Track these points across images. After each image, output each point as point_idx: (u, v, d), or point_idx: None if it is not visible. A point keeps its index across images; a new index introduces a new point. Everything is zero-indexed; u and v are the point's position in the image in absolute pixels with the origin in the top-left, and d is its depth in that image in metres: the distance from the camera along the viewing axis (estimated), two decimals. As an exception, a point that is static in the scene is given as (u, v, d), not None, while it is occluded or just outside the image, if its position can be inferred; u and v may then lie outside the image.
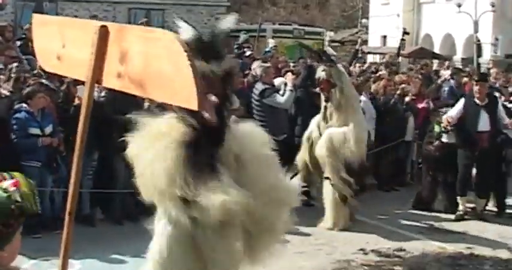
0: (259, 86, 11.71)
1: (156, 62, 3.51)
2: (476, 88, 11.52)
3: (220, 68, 5.70)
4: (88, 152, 10.19)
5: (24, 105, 9.63)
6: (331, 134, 10.41)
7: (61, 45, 4.23)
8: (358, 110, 10.87)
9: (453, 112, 11.56)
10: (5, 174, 3.28)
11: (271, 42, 21.73)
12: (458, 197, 11.63)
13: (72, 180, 4.01)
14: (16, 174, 3.30)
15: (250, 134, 6.20)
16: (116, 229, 10.16)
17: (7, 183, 3.16)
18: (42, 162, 9.61)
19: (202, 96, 3.41)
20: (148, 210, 10.81)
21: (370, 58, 34.29)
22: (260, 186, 5.73)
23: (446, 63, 24.17)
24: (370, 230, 10.57)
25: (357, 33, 53.06)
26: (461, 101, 11.66)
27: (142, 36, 3.66)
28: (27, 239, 8.94)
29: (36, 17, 4.77)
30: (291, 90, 11.58)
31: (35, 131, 9.55)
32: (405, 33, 22.77)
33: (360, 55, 20.97)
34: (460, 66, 26.76)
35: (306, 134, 10.96)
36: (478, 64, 31.98)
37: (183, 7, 35.47)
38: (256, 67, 12.43)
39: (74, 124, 9.85)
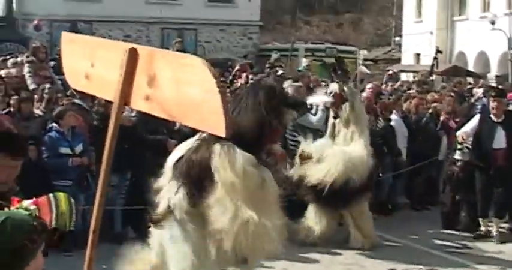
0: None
1: (185, 87, 3.53)
2: (493, 104, 11.20)
3: None
4: (121, 172, 10.30)
5: (54, 124, 9.73)
6: (350, 154, 10.08)
7: (90, 64, 4.27)
8: (365, 131, 10.54)
9: (467, 128, 11.35)
10: (50, 195, 3.45)
11: (304, 61, 21.77)
12: (480, 219, 11.44)
13: (97, 198, 4.05)
14: (60, 194, 3.48)
15: None
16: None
17: (27, 203, 3.33)
18: (73, 181, 9.69)
19: (229, 123, 3.41)
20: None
21: (403, 76, 34.14)
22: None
23: (481, 81, 24.03)
24: (400, 250, 10.49)
25: (390, 51, 53.00)
26: (477, 117, 11.46)
27: (172, 61, 3.68)
28: (60, 257, 9.07)
29: (66, 35, 4.79)
30: (323, 110, 11.55)
31: (65, 150, 9.64)
32: (438, 51, 22.70)
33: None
34: (494, 84, 26.60)
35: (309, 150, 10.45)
36: (514, 81, 31.76)
37: (216, 26, 35.72)
38: (288, 86, 12.43)
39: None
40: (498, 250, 10.75)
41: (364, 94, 13.28)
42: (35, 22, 23.27)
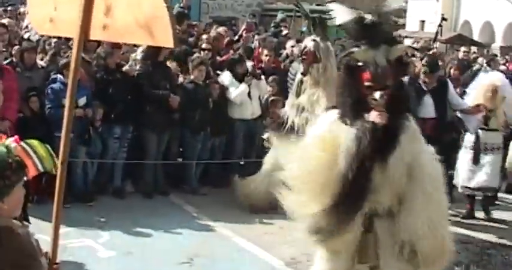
0: (295, 66, 11.65)
1: (136, 9, 3.71)
2: (425, 79, 10.23)
3: (390, 54, 5.13)
4: (124, 124, 10.27)
5: (59, 76, 9.67)
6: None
7: (53, 8, 4.39)
8: (332, 97, 9.38)
9: None
10: (21, 142, 3.48)
11: (307, 22, 21.61)
12: None
13: (63, 134, 4.13)
14: (33, 140, 3.52)
15: (419, 139, 5.62)
16: (145, 202, 10.21)
17: (9, 140, 3.36)
18: (74, 133, 9.65)
19: (176, 36, 3.61)
20: (177, 185, 10.98)
21: (407, 42, 33.98)
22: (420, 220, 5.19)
23: (485, 51, 23.92)
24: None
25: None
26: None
27: None
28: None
29: None
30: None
31: (67, 102, 9.59)
32: (443, 19, 22.51)
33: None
34: (499, 54, 26.49)
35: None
36: (517, 52, 31.63)
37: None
38: (293, 47, 12.38)
39: (114, 98, 9.97)
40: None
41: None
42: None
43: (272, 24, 20.22)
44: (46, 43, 11.61)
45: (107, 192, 10.33)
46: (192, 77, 10.71)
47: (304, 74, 9.47)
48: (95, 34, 4.08)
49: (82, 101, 9.67)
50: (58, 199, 4.16)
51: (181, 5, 19.47)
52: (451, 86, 10.41)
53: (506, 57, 24.44)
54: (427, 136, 9.13)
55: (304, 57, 9.49)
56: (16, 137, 3.57)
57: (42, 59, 10.95)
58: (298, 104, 9.49)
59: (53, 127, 9.36)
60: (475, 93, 10.39)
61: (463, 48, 18.14)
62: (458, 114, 10.49)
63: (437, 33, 21.98)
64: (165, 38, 3.59)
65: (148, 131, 10.41)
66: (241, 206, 9.78)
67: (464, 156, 10.42)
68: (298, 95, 9.60)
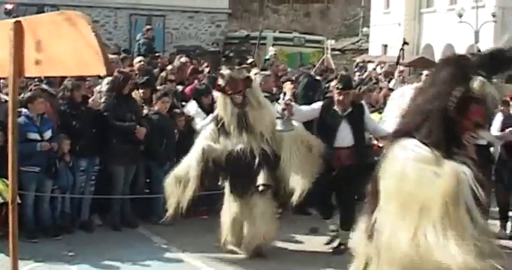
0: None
1: (66, 41, 3.71)
2: (338, 97, 9.33)
3: (502, 91, 4.92)
4: (90, 157, 10.25)
5: (24, 110, 9.64)
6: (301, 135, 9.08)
7: None
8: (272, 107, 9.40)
9: (314, 105, 9.70)
10: None
11: (271, 50, 21.77)
12: (331, 227, 9.77)
13: (10, 167, 4.11)
14: None
15: None
16: (113, 235, 10.16)
17: None
18: (41, 167, 9.61)
19: (109, 63, 3.64)
20: (145, 217, 10.96)
21: (370, 67, 34.31)
22: None
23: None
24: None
25: (358, 41, 53.18)
26: (319, 104, 9.66)
27: (51, 21, 3.89)
28: (25, 243, 9.02)
29: None
30: (290, 100, 11.47)
31: (34, 135, 9.54)
32: (405, 43, 22.74)
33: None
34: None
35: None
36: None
37: (184, 13, 35.55)
38: (256, 75, 12.43)
39: (79, 131, 9.94)
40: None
41: (332, 83, 13.29)
42: (9, 6, 22.91)
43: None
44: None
45: (74, 226, 10.28)
46: (156, 108, 10.75)
47: (243, 105, 8.87)
48: (30, 70, 4.06)
49: (48, 134, 9.65)
50: (13, 238, 4.14)
51: (145, 36, 19.56)
52: (367, 110, 9.85)
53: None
54: (344, 167, 9.12)
55: (237, 89, 8.80)
56: None
57: (7, 94, 10.89)
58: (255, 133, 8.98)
59: (19, 161, 9.31)
60: (399, 107, 9.22)
61: (425, 72, 18.35)
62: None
63: (399, 57, 22.16)
64: (97, 66, 3.58)
65: (114, 163, 10.39)
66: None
67: None
68: (249, 128, 8.93)
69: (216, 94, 9.44)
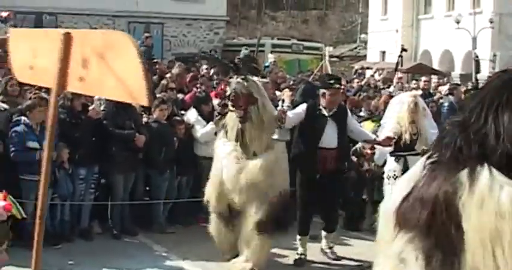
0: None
1: (112, 63, 3.62)
2: (328, 97, 9.23)
3: None
4: (89, 165, 10.23)
5: (23, 118, 9.62)
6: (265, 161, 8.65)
7: (33, 55, 4.34)
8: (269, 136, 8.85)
9: (298, 109, 9.50)
10: None
11: (270, 57, 21.77)
12: (298, 237, 9.62)
13: (41, 184, 4.06)
14: None
15: None
16: (113, 243, 10.13)
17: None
18: (40, 175, 9.58)
19: (151, 93, 3.50)
20: (145, 225, 10.93)
21: (368, 74, 34.37)
22: None
23: (446, 79, 24.20)
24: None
25: (355, 48, 53.26)
26: (303, 106, 9.51)
27: (101, 39, 3.80)
28: (24, 252, 8.98)
29: (13, 32, 4.88)
30: (288, 106, 11.43)
31: (33, 144, 9.52)
32: (403, 50, 22.75)
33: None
34: (459, 82, 26.85)
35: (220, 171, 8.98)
36: (477, 80, 32.08)
37: (182, 21, 35.62)
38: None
39: (79, 139, 9.92)
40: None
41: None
42: (4, 14, 22.91)
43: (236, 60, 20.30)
44: (8, 85, 11.53)
45: (74, 234, 10.25)
46: (155, 116, 10.74)
47: (244, 121, 8.56)
48: (72, 86, 3.98)
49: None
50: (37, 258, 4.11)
51: (145, 43, 19.56)
52: (349, 112, 9.79)
53: (468, 84, 24.78)
54: (328, 170, 9.11)
55: (238, 103, 8.51)
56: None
57: (3, 101, 10.87)
58: (249, 152, 8.71)
59: (19, 169, 9.31)
60: (397, 114, 9.85)
61: (423, 78, 18.36)
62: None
63: (397, 63, 22.19)
64: (139, 95, 3.50)
65: (114, 171, 10.37)
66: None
67: (389, 188, 9.44)
68: (244, 145, 8.70)
69: (216, 101, 9.39)
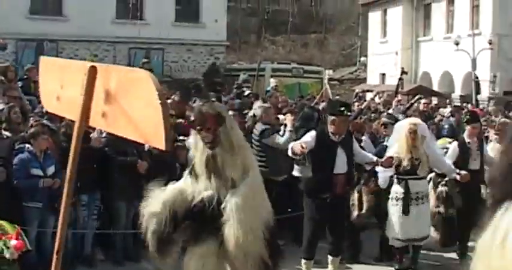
0: (258, 127, 11.75)
1: (132, 101, 3.57)
2: (338, 124, 9.31)
3: None
4: (91, 192, 10.26)
5: (27, 145, 9.67)
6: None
7: (60, 86, 4.32)
8: (250, 150, 7.98)
9: (307, 138, 9.48)
10: None
11: (272, 82, 21.86)
12: (303, 261, 9.63)
13: (60, 219, 4.04)
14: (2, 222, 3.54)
15: None
16: (116, 269, 10.14)
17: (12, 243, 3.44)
18: (43, 203, 9.62)
19: (169, 137, 3.43)
20: (148, 251, 10.88)
21: (369, 97, 34.45)
22: None
23: (447, 101, 24.25)
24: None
25: (355, 71, 53.40)
26: (313, 133, 9.55)
27: (123, 75, 3.74)
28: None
29: (44, 60, 4.86)
30: (291, 131, 11.47)
31: (37, 171, 9.57)
32: (403, 72, 22.85)
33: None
34: (459, 104, 26.91)
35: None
36: (477, 101, 32.15)
37: (183, 46, 35.77)
38: (257, 107, 12.49)
39: (80, 166, 9.93)
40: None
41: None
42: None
43: (234, 86, 20.38)
44: (11, 112, 11.58)
45: (77, 261, 10.25)
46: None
47: (213, 146, 7.24)
48: (95, 121, 3.96)
49: (51, 169, 9.68)
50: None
51: (144, 69, 19.58)
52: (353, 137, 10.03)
53: (468, 105, 24.84)
54: (339, 194, 9.29)
55: (201, 124, 7.26)
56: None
57: (5, 129, 10.91)
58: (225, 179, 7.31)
59: (22, 197, 9.35)
60: (399, 142, 10.23)
61: (423, 101, 18.42)
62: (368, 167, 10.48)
63: (398, 86, 22.29)
64: (157, 139, 3.43)
65: (116, 198, 10.39)
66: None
67: (393, 208, 10.25)
68: (217, 173, 7.29)
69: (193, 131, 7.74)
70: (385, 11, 45.44)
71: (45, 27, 31.64)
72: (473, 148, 11.01)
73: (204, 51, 36.10)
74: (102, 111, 3.84)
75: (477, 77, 34.44)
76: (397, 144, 10.23)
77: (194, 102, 7.55)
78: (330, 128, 9.36)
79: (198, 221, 7.39)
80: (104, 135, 10.50)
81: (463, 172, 10.52)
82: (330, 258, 9.71)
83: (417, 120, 10.82)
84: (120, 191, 10.34)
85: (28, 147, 9.65)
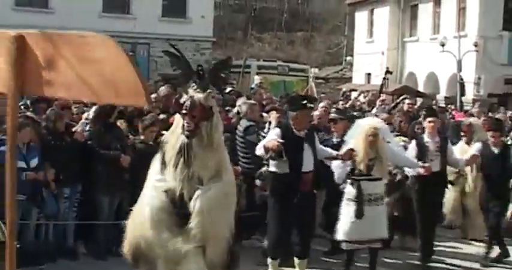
0: (243, 123, 11.74)
1: (93, 66, 3.46)
2: (302, 118, 9.02)
3: None
4: (72, 184, 10.24)
5: (8, 138, 9.62)
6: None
7: None
8: (226, 152, 7.57)
9: (272, 136, 9.08)
10: None
11: (256, 79, 21.86)
12: (269, 260, 9.28)
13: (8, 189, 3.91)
14: None
15: None
16: (98, 263, 10.11)
17: None
18: (26, 195, 9.58)
19: (149, 93, 3.37)
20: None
21: (354, 95, 34.52)
22: None
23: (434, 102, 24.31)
24: None
25: (341, 70, 53.48)
26: (277, 131, 9.13)
27: (71, 41, 3.63)
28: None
29: None
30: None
31: (20, 164, 9.52)
32: (388, 72, 22.92)
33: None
34: (443, 105, 27.01)
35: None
36: (461, 103, 32.26)
37: (169, 42, 35.67)
38: (241, 104, 12.48)
39: (63, 160, 9.88)
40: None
41: (316, 112, 13.32)
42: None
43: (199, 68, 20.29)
44: (-6, 105, 11.56)
45: (59, 254, 10.22)
46: (142, 137, 10.72)
47: (192, 135, 6.92)
48: (35, 90, 3.83)
49: (34, 162, 9.65)
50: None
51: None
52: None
53: (452, 106, 24.94)
54: (306, 193, 8.81)
55: (192, 113, 6.93)
56: None
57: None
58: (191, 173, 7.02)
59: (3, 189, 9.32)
60: (355, 141, 9.68)
61: (407, 101, 18.45)
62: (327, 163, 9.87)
63: (382, 85, 22.35)
64: (137, 97, 3.35)
65: (99, 191, 10.37)
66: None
67: (345, 209, 9.66)
68: (188, 164, 6.99)
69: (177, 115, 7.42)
70: (371, 11, 45.50)
71: (31, 19, 31.44)
72: (432, 148, 10.57)
73: (190, 46, 36.03)
74: (44, 80, 3.69)
75: (462, 79, 34.56)
76: (353, 142, 9.74)
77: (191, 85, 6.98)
78: (294, 123, 8.96)
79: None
80: (87, 128, 10.49)
81: (426, 164, 10.19)
82: (296, 260, 9.26)
83: (379, 123, 10.17)
84: (103, 185, 10.32)
85: (10, 140, 9.59)
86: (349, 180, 9.71)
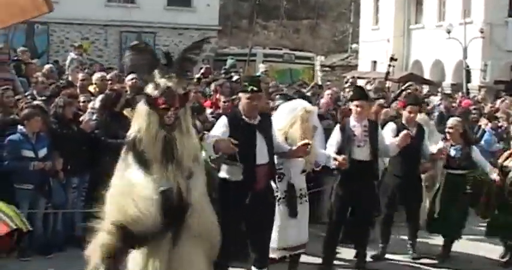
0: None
1: None
2: (246, 102, 7.52)
3: None
4: (80, 174, 10.26)
5: (20, 127, 9.64)
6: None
7: None
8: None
9: (218, 128, 7.64)
10: None
11: (261, 67, 21.83)
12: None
13: None
14: None
15: None
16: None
17: None
18: (34, 185, 9.61)
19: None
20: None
21: (360, 82, 34.48)
22: None
23: (439, 89, 24.28)
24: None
25: (347, 58, 53.39)
26: (223, 120, 7.65)
27: None
28: (17, 262, 8.99)
29: None
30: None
31: (29, 153, 9.55)
32: (392, 59, 22.87)
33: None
34: (450, 92, 26.98)
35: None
36: (467, 89, 32.21)
37: (174, 30, 35.70)
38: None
39: (72, 148, 9.88)
40: None
41: (322, 100, 13.33)
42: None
43: (222, 71, 20.30)
44: (4, 96, 11.56)
45: (68, 243, 10.24)
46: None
47: (172, 128, 6.42)
48: None
49: (43, 151, 9.67)
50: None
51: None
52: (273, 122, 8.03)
53: (460, 94, 24.91)
54: (260, 190, 7.37)
55: (170, 101, 6.35)
56: None
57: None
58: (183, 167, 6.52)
59: (13, 179, 9.35)
60: (290, 128, 8.32)
61: (413, 88, 18.44)
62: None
63: (387, 72, 22.32)
64: (38, 5, 3.37)
65: (106, 180, 10.37)
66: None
67: (278, 209, 8.10)
68: (170, 154, 6.44)
69: (143, 108, 6.65)
70: (377, -2, 45.43)
71: (36, 9, 31.44)
72: (358, 133, 9.12)
73: (196, 35, 35.94)
74: None
75: (468, 66, 34.49)
76: (283, 132, 8.32)
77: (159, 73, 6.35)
78: (242, 109, 7.60)
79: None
80: (94, 117, 10.51)
81: (340, 157, 8.71)
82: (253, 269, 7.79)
83: (313, 108, 8.89)
84: (110, 174, 10.31)
85: (21, 129, 9.63)
86: (276, 176, 8.13)
